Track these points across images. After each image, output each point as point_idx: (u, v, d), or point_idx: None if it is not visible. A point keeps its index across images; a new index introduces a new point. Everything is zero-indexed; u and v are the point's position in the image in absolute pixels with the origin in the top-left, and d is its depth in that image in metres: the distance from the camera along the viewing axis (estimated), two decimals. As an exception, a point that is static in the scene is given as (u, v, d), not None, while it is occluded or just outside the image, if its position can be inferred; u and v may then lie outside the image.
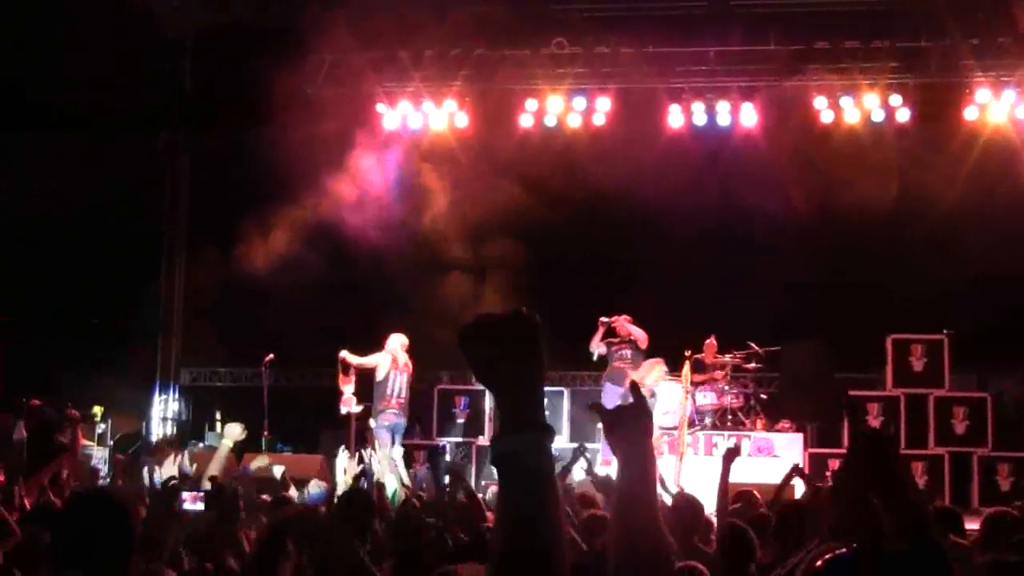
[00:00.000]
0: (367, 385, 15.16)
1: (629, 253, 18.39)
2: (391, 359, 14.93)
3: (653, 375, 15.44)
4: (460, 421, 16.93)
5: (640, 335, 15.76)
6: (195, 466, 12.02)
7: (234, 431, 8.50)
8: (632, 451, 2.62)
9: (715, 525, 7.46)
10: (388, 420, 14.80)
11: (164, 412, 19.55)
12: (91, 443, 16.11)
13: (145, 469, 9.18)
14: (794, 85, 17.63)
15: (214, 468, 8.03)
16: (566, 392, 17.28)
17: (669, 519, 7.62)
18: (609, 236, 18.22)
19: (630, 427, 2.65)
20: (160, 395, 19.50)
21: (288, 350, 16.83)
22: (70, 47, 15.87)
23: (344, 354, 14.92)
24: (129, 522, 3.91)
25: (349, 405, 15.09)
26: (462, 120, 18.31)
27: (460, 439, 16.78)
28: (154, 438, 18.08)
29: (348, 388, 15.11)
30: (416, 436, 16.58)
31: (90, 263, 18.01)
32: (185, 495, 6.82)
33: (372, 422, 14.80)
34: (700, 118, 17.90)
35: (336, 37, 16.74)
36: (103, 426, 16.98)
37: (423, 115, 18.40)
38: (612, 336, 15.88)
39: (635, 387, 2.83)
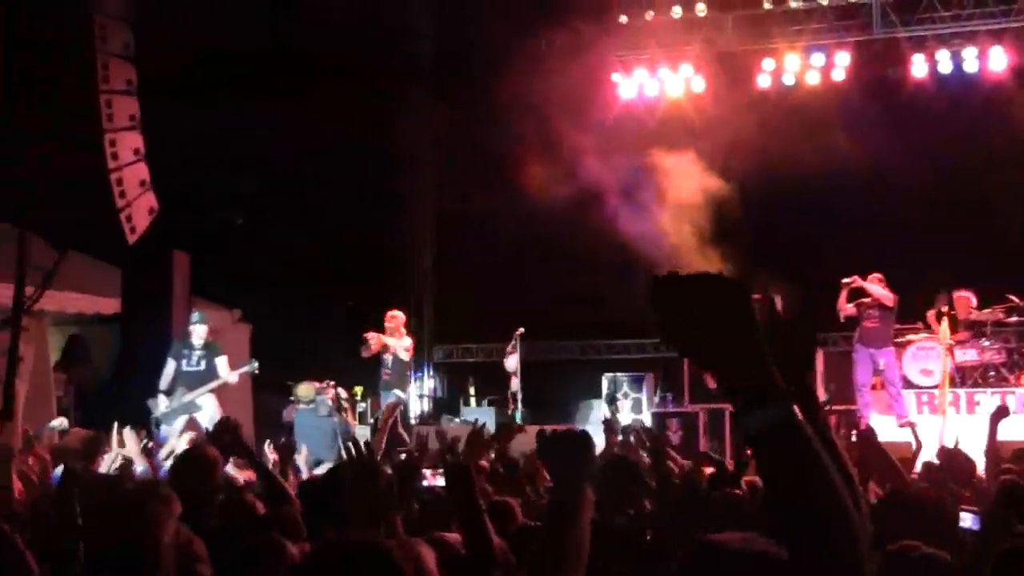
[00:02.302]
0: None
1: (880, 210, 17.80)
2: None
3: None
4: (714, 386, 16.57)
5: (882, 294, 15.10)
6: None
7: None
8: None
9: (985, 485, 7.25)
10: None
11: (420, 389, 20.19)
12: (354, 422, 16.72)
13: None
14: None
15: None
16: (819, 353, 16.88)
17: (937, 472, 7.49)
18: (856, 193, 17.65)
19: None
20: (415, 373, 20.05)
21: (538, 324, 16.99)
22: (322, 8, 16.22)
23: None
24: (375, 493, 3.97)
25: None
26: (698, 84, 18.15)
27: (712, 405, 16.48)
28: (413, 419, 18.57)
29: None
30: (669, 404, 16.59)
31: (342, 244, 18.60)
32: (426, 472, 6.92)
33: (401, 394, 15.31)
34: (945, 66, 17.29)
35: (570, 5, 16.80)
36: (363, 405, 17.58)
37: (659, 81, 18.31)
38: (861, 296, 15.41)
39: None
